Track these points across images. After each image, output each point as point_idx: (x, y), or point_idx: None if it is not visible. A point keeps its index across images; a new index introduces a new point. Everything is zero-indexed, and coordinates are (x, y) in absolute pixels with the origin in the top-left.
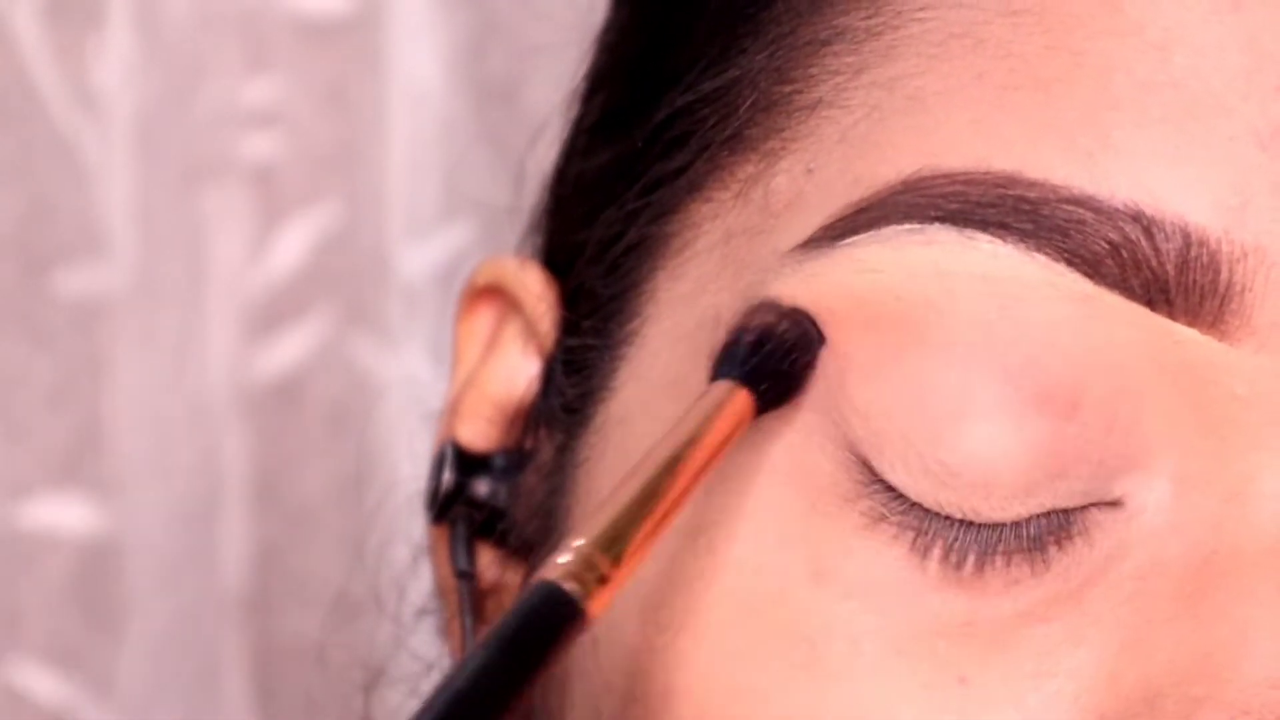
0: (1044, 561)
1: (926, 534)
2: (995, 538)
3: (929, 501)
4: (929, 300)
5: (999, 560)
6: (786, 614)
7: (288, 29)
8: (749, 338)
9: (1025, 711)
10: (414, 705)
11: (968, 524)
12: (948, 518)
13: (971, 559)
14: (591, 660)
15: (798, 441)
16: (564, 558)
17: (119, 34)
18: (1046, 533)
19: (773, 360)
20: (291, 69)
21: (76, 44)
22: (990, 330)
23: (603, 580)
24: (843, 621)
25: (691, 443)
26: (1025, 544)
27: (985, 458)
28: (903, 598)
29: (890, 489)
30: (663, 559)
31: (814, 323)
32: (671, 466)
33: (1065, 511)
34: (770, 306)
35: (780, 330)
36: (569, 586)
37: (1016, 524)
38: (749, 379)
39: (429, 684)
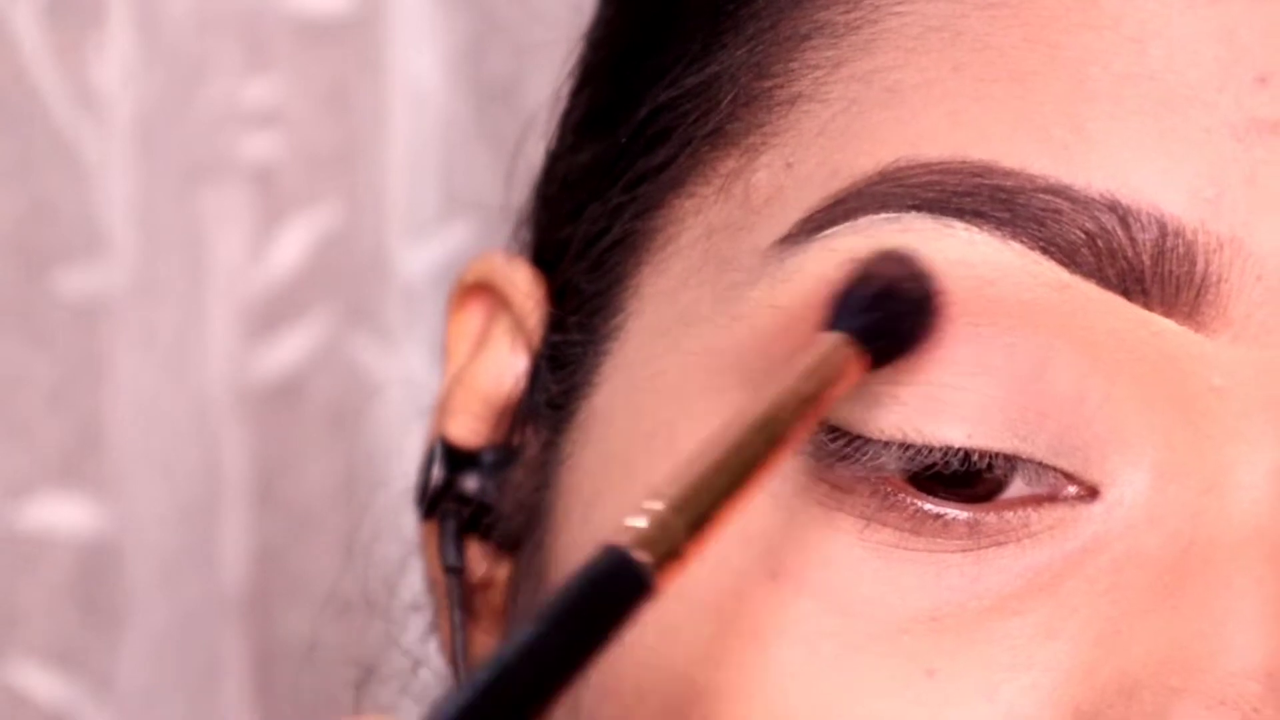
0: (1002, 536)
1: (871, 479)
2: (942, 460)
3: (872, 431)
4: None
5: (932, 524)
6: (744, 613)
7: (288, 29)
8: (871, 288)
9: (998, 704)
10: (406, 703)
11: (908, 445)
12: (888, 443)
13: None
14: None
15: None
16: (637, 520)
17: (119, 34)
18: (1002, 470)
19: (892, 319)
20: (291, 69)
21: (76, 44)
22: (964, 306)
23: (677, 552)
24: (799, 621)
25: (798, 402)
26: (970, 477)
27: (936, 389)
28: (862, 595)
29: (835, 430)
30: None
31: (936, 289)
32: (771, 428)
33: (1038, 465)
34: (897, 258)
35: (901, 285)
36: (639, 556)
37: (966, 453)
38: (864, 335)
39: (419, 681)
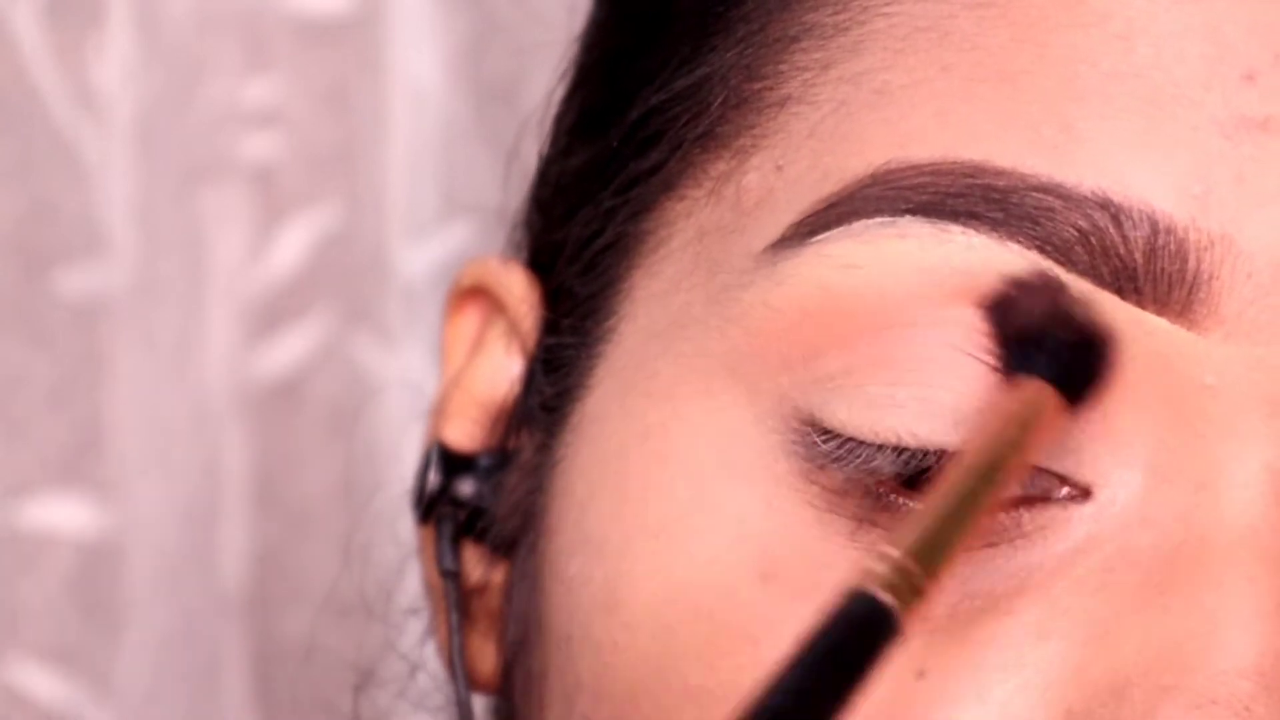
0: (994, 537)
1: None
2: (937, 464)
3: (866, 433)
4: (911, 290)
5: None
6: (734, 614)
7: (288, 29)
8: (1070, 336)
9: (989, 704)
10: (403, 706)
11: (903, 449)
12: (882, 445)
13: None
14: (565, 656)
15: (752, 434)
16: (879, 566)
17: (119, 34)
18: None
19: (1085, 364)
20: (291, 69)
21: (76, 44)
22: (967, 312)
23: (917, 592)
24: (789, 622)
25: (1010, 450)
26: None
27: (933, 394)
28: None
29: (829, 432)
30: (626, 557)
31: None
32: (989, 475)
33: (1032, 469)
34: (1069, 297)
35: (1091, 334)
36: (885, 599)
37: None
38: (1064, 381)
39: (416, 685)
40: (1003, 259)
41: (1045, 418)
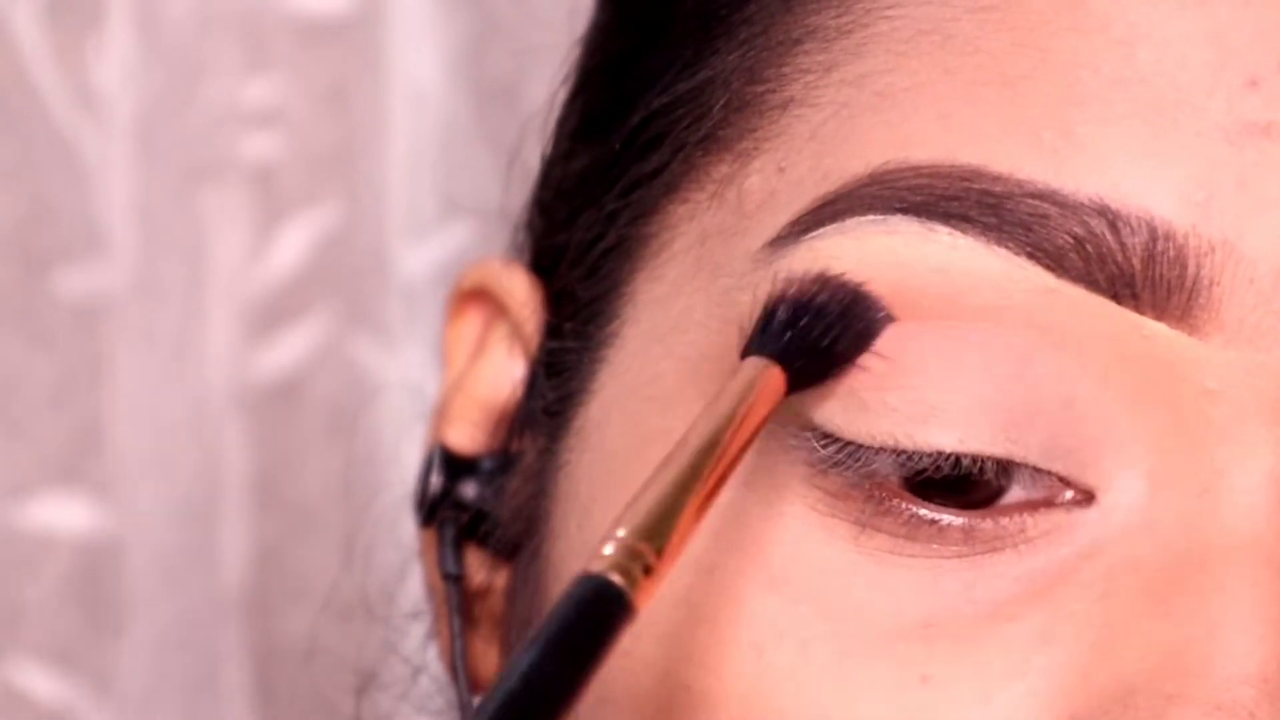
0: (999, 542)
1: (865, 485)
2: (933, 465)
3: (863, 437)
4: (888, 290)
5: (927, 529)
6: (739, 620)
7: (288, 29)
8: (783, 313)
9: (993, 710)
10: (405, 709)
11: (900, 451)
12: (881, 449)
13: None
14: None
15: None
16: (607, 549)
17: (119, 34)
18: (996, 475)
19: (808, 337)
20: (291, 69)
21: (76, 44)
22: (943, 311)
23: (648, 571)
24: (793, 627)
25: (727, 424)
26: (965, 483)
27: (925, 395)
28: (856, 601)
29: (827, 435)
30: None
31: (872, 300)
32: (708, 450)
33: (1032, 469)
34: (819, 279)
35: (818, 304)
36: (615, 579)
37: (958, 458)
38: (781, 355)
39: (418, 688)
40: (985, 263)
41: (764, 393)
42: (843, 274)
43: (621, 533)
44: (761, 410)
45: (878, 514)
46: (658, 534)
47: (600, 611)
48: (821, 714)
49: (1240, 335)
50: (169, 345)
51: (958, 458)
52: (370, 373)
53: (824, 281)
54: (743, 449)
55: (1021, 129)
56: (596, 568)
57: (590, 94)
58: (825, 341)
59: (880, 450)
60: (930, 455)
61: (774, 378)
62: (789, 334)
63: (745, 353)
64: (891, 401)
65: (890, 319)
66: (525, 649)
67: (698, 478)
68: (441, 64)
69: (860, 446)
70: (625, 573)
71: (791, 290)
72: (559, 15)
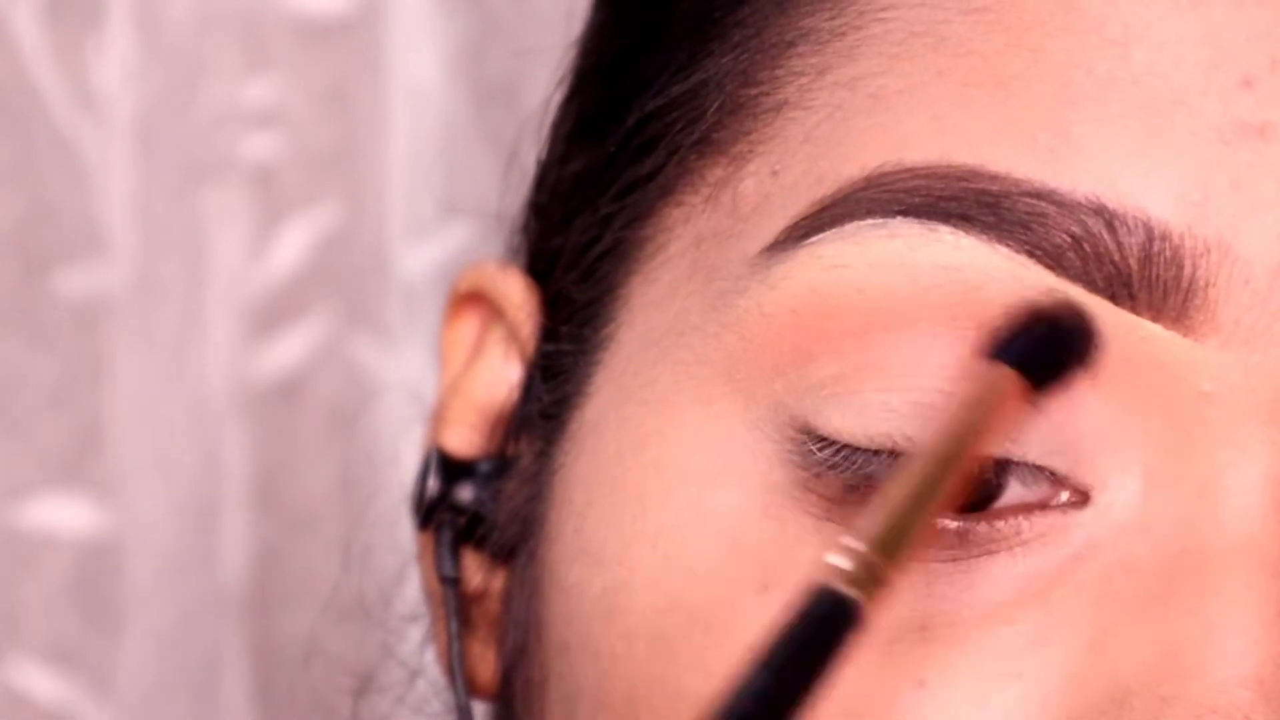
0: (994, 545)
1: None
2: None
3: (861, 439)
4: (891, 289)
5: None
6: (734, 624)
7: (288, 29)
8: (1038, 327)
9: (989, 713)
10: (403, 712)
11: (897, 453)
12: (878, 450)
13: None
14: (564, 664)
15: (748, 440)
16: (841, 561)
17: (119, 34)
18: (994, 474)
19: (1053, 351)
20: (291, 69)
21: (76, 44)
22: (950, 311)
23: (880, 583)
24: None
25: (968, 434)
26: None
27: (926, 398)
28: None
29: (824, 439)
30: (624, 565)
31: (1094, 328)
32: (948, 461)
33: (1031, 467)
34: (1065, 305)
35: (1064, 323)
36: (850, 592)
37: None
38: (1028, 367)
39: (415, 691)
40: (990, 261)
41: (1007, 403)
42: (1084, 307)
43: (857, 545)
44: (1004, 420)
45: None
46: (890, 545)
47: (834, 625)
48: (816, 718)
49: (1236, 336)
50: (169, 345)
51: None
52: (370, 373)
53: (1069, 307)
54: (976, 459)
55: (1016, 129)
56: (832, 580)
57: (585, 96)
58: (1064, 358)
59: (878, 453)
60: None
61: (1014, 387)
62: (1033, 344)
63: (988, 356)
64: (892, 403)
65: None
66: (758, 659)
67: (934, 489)
68: (441, 64)
69: (857, 449)
70: (859, 585)
71: (1046, 308)
72: (559, 15)
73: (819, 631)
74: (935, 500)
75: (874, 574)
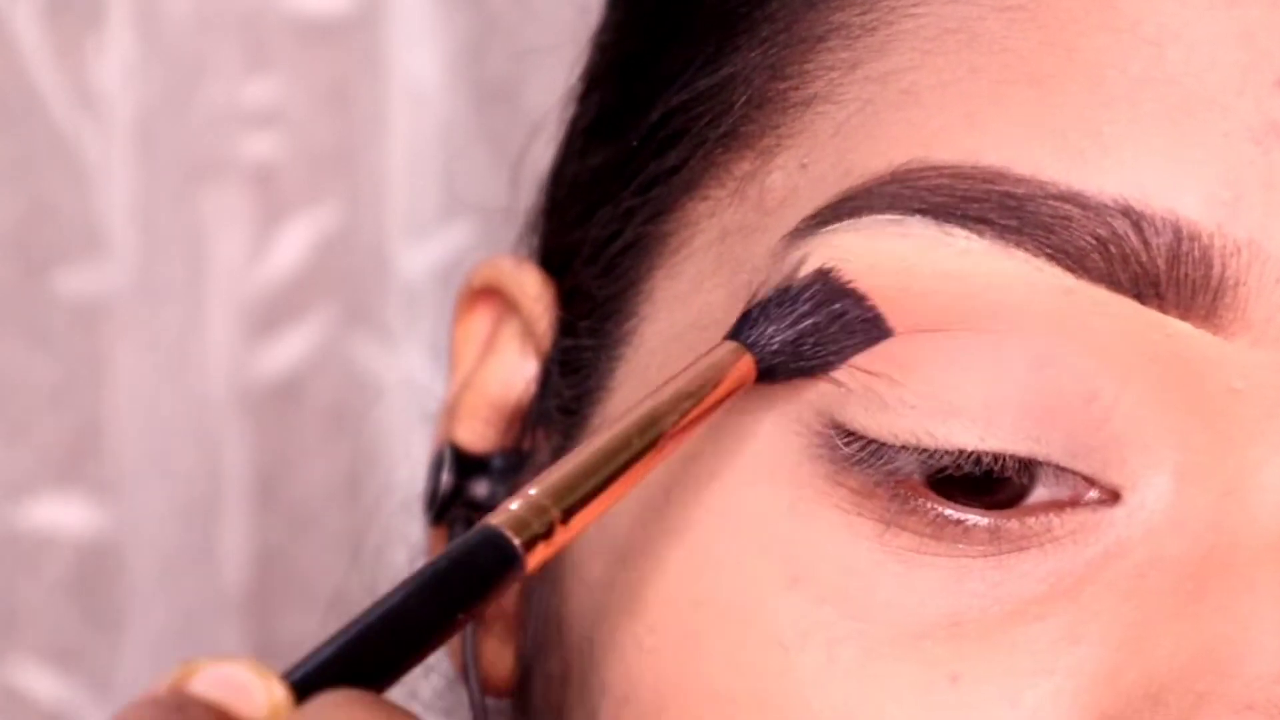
0: (1024, 541)
1: (889, 483)
2: (954, 464)
3: (885, 435)
4: (890, 294)
5: (952, 529)
6: (763, 619)
7: (288, 29)
8: (773, 304)
9: (1022, 709)
10: (415, 708)
11: (923, 449)
12: (903, 446)
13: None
14: (588, 660)
15: (774, 434)
16: (515, 504)
17: (119, 34)
18: (1019, 474)
19: (798, 332)
20: (291, 69)
21: (76, 44)
22: (959, 314)
23: (548, 534)
24: (819, 627)
25: (672, 403)
26: (990, 482)
27: (941, 392)
28: (882, 600)
29: (850, 433)
30: (651, 560)
31: (872, 309)
32: (646, 425)
33: (1056, 468)
34: (821, 278)
35: (811, 302)
36: (511, 535)
37: (979, 456)
38: (756, 343)
39: (428, 686)
40: (1001, 265)
41: (729, 379)
42: (851, 282)
43: (532, 491)
44: (720, 395)
45: (903, 513)
46: (567, 497)
47: (487, 562)
48: (848, 714)
49: (1267, 335)
50: (169, 345)
51: (979, 455)
52: (370, 373)
53: (825, 282)
54: (690, 429)
55: (1047, 129)
56: (496, 520)
57: (606, 90)
58: (808, 342)
59: (902, 448)
60: (951, 453)
61: (745, 366)
62: (773, 327)
63: (728, 335)
64: (910, 399)
65: (887, 334)
66: (401, 585)
67: (626, 448)
68: (441, 64)
69: (882, 445)
70: (523, 530)
71: (791, 284)
72: (559, 15)
73: (471, 566)
74: (622, 463)
75: (546, 521)
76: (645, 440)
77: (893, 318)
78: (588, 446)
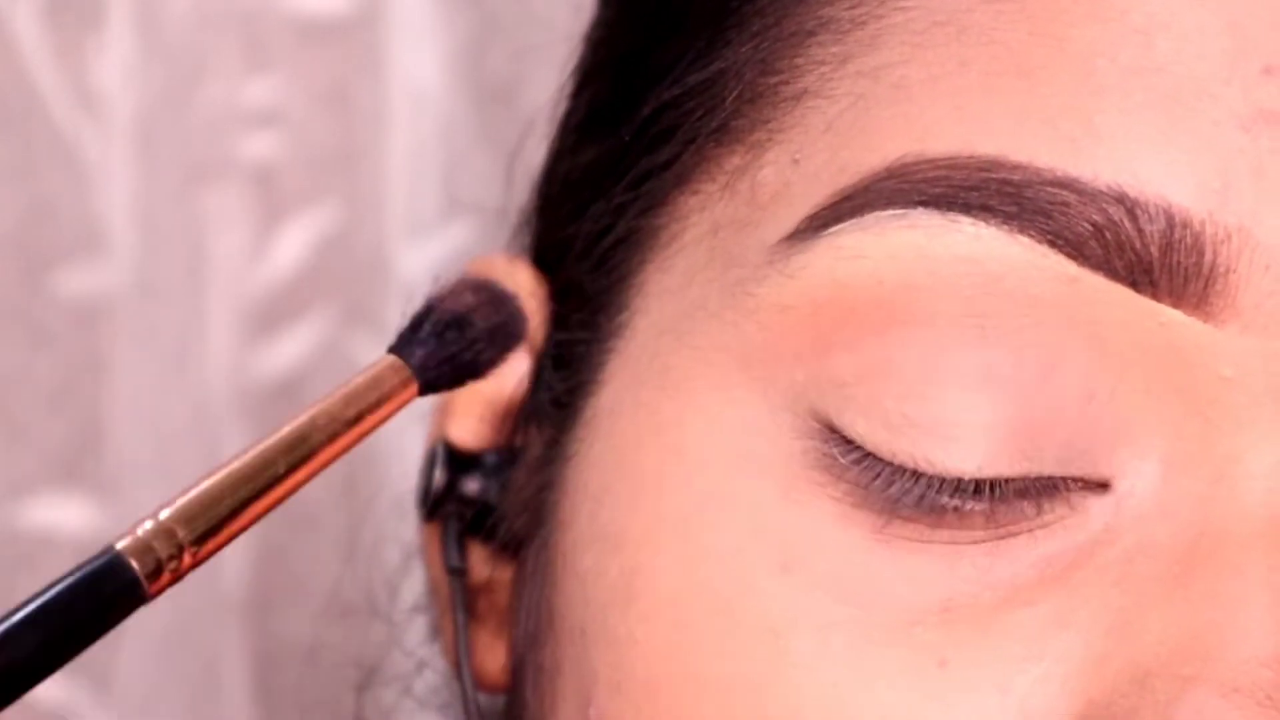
0: (1015, 526)
1: (884, 490)
2: (952, 488)
3: (884, 452)
4: (910, 281)
5: (951, 516)
6: (755, 606)
7: (288, 29)
8: (434, 318)
9: (1010, 694)
10: (409, 704)
11: (920, 475)
12: (900, 466)
13: (930, 517)
14: (580, 649)
15: (769, 427)
16: (145, 526)
17: (119, 34)
18: (1018, 495)
19: (452, 345)
20: (291, 69)
21: (76, 44)
22: (971, 304)
23: (175, 560)
24: (810, 613)
25: (329, 420)
26: (988, 502)
27: (946, 411)
28: (874, 586)
29: (848, 442)
30: (642, 549)
31: (518, 313)
32: (294, 445)
33: (1047, 479)
34: (473, 285)
35: (466, 312)
36: (134, 562)
37: (979, 480)
38: (417, 359)
39: (421, 683)
40: (1010, 250)
41: (388, 394)
42: (496, 283)
43: (165, 514)
44: (380, 413)
45: (899, 504)
46: (199, 523)
47: (108, 591)
48: (839, 699)
49: (1256, 322)
50: (169, 345)
51: (976, 483)
52: None
53: (486, 289)
54: (342, 450)
55: (1039, 119)
56: (122, 544)
57: (598, 86)
58: (466, 354)
59: (900, 470)
60: (951, 483)
61: (406, 383)
62: (431, 341)
63: (391, 349)
64: (912, 414)
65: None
66: (18, 608)
67: (267, 470)
68: (441, 64)
69: (879, 460)
70: (147, 557)
71: (443, 295)
72: (559, 15)
73: (91, 596)
74: (261, 485)
75: (174, 545)
76: (292, 459)
77: (915, 310)
78: (226, 467)
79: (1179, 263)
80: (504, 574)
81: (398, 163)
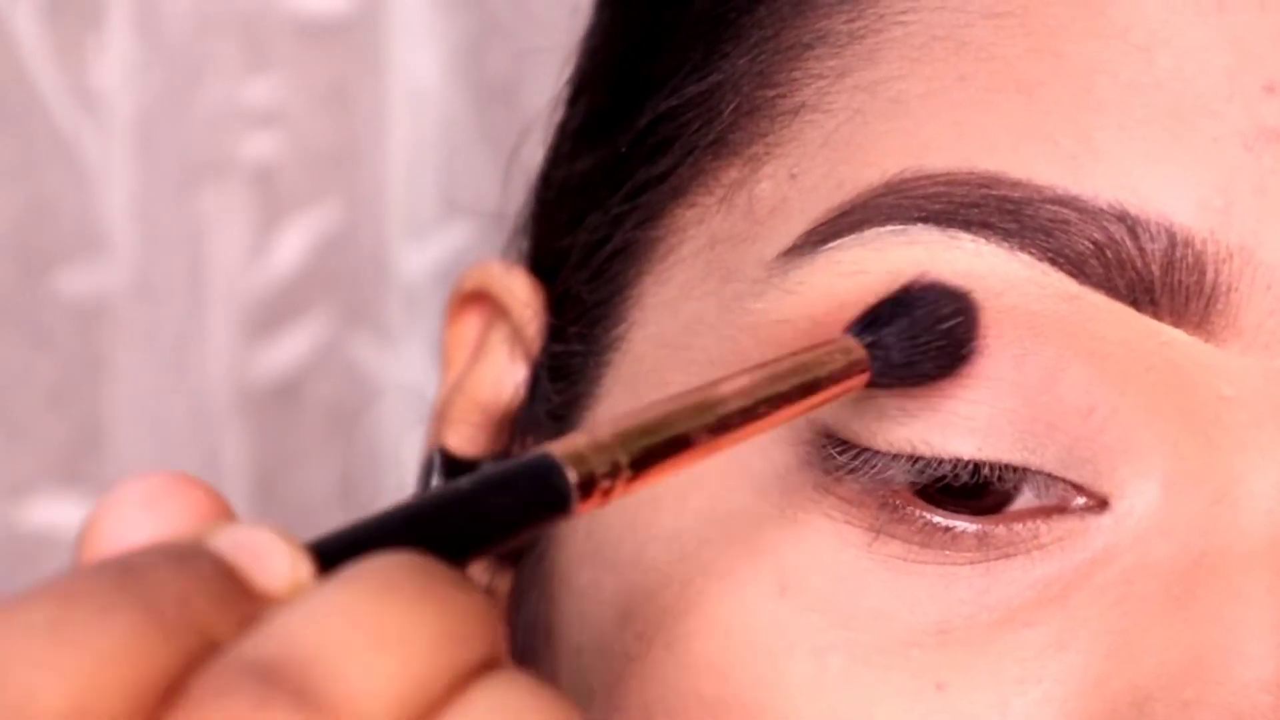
0: (1011, 548)
1: (878, 492)
2: (951, 472)
3: (880, 444)
4: None
5: (941, 536)
6: (752, 627)
7: (288, 29)
8: (911, 310)
9: (1009, 717)
10: None
11: (918, 458)
12: (897, 454)
13: (937, 519)
14: (575, 666)
15: (766, 443)
16: (582, 440)
17: (119, 34)
18: (1013, 486)
19: (917, 344)
20: (291, 69)
21: (76, 44)
22: (986, 318)
23: (608, 483)
24: (807, 634)
25: (772, 382)
26: (978, 489)
27: (945, 404)
28: (870, 608)
29: (844, 443)
30: (639, 568)
31: (975, 327)
32: (740, 396)
33: (1046, 476)
34: (942, 289)
35: (933, 311)
36: (570, 473)
37: (976, 466)
38: (876, 346)
39: None
40: (1011, 268)
41: (842, 372)
42: (971, 291)
43: (606, 430)
44: (830, 388)
45: (892, 521)
46: (636, 445)
47: (537, 499)
48: None
49: (1257, 341)
50: (169, 345)
51: (975, 465)
52: (370, 373)
53: (951, 295)
54: (788, 415)
55: (1038, 135)
56: (558, 452)
57: (595, 95)
58: (920, 354)
59: (896, 457)
60: (949, 462)
61: (857, 360)
62: (896, 331)
63: (849, 328)
64: (910, 409)
65: (976, 351)
66: (454, 488)
67: (708, 414)
68: (441, 64)
69: (876, 453)
70: (583, 469)
71: (916, 287)
72: (559, 16)
73: (518, 501)
74: (705, 424)
75: (607, 469)
76: (738, 407)
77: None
78: (676, 401)
79: (1180, 281)
80: (503, 584)
81: (397, 163)
